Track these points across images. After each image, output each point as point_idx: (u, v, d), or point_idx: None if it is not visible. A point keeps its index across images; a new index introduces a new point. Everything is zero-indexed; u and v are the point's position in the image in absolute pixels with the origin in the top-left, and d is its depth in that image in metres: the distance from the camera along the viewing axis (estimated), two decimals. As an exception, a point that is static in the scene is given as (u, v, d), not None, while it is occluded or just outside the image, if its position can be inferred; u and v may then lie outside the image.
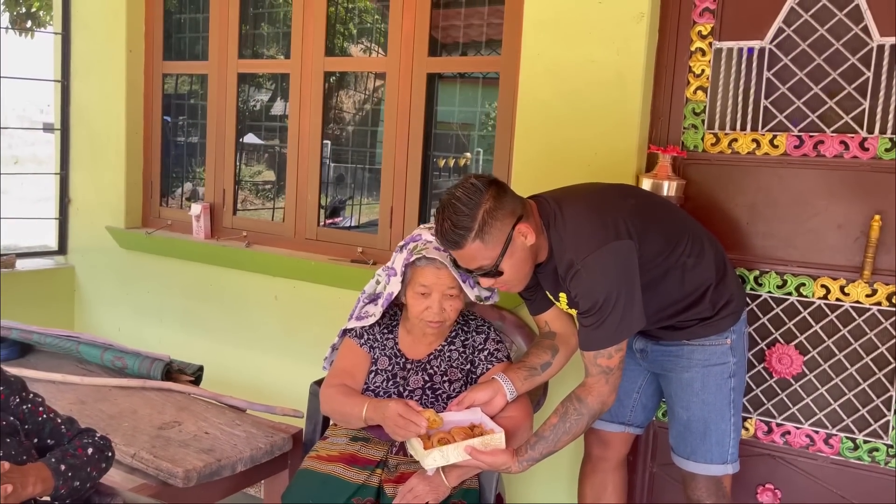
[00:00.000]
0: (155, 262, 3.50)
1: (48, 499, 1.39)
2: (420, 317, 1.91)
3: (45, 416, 1.51)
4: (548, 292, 1.88)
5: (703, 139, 2.25)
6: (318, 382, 2.21)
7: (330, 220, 3.44)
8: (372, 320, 2.02)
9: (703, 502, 1.92)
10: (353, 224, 3.61)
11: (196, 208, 3.35)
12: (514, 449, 1.76)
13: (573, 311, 1.83)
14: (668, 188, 2.17)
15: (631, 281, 1.67)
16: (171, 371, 2.47)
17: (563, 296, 1.82)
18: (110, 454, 1.55)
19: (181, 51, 3.61)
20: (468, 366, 1.99)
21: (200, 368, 2.58)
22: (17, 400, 1.46)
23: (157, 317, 3.52)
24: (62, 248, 3.86)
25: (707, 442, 1.88)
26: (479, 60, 2.79)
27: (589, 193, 1.84)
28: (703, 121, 2.25)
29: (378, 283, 2.07)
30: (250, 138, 3.65)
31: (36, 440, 1.47)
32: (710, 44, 2.22)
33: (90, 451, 1.48)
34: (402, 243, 1.98)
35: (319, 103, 3.07)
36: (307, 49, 3.06)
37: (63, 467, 1.40)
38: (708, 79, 2.23)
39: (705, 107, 2.25)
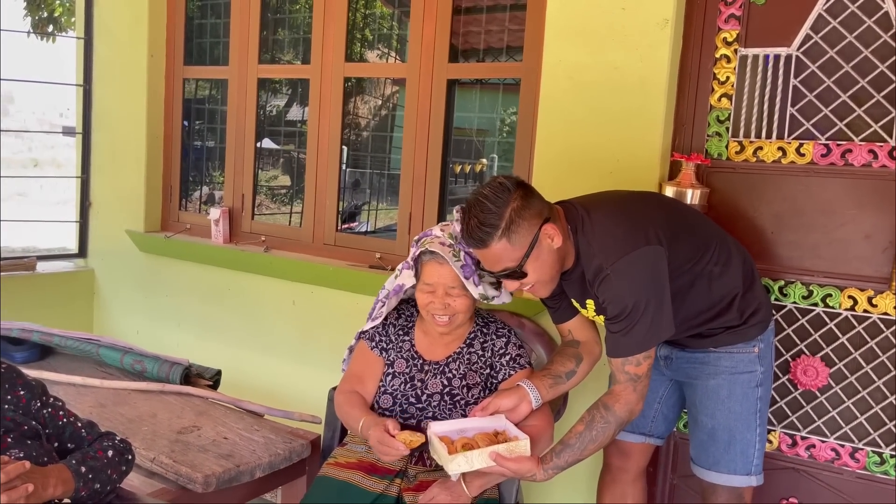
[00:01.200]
0: (173, 265, 3.51)
1: (68, 501, 1.39)
2: (426, 310, 1.91)
3: (65, 419, 1.50)
4: (573, 300, 1.86)
5: (727, 147, 2.23)
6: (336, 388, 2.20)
7: (346, 226, 3.44)
8: (385, 312, 2.01)
9: None
10: (369, 229, 3.61)
11: (215, 213, 3.36)
12: (540, 457, 1.74)
13: (600, 319, 1.81)
14: (692, 196, 2.14)
15: (661, 287, 1.65)
16: (190, 375, 2.47)
17: (590, 303, 1.80)
18: (130, 457, 1.54)
19: (202, 56, 3.63)
20: (488, 370, 1.97)
21: (218, 373, 2.58)
22: (38, 404, 1.46)
23: (175, 320, 3.53)
24: (82, 251, 3.88)
25: (731, 452, 1.85)
26: (501, 66, 2.77)
27: (617, 200, 1.83)
28: (727, 128, 2.23)
29: (396, 277, 2.07)
30: (266, 143, 3.66)
31: (56, 444, 1.47)
32: (736, 51, 2.19)
33: (110, 453, 1.48)
34: (417, 237, 1.98)
35: (339, 109, 3.07)
36: (327, 55, 3.07)
37: (83, 469, 1.39)
38: (733, 86, 2.20)
39: (730, 114, 2.22)
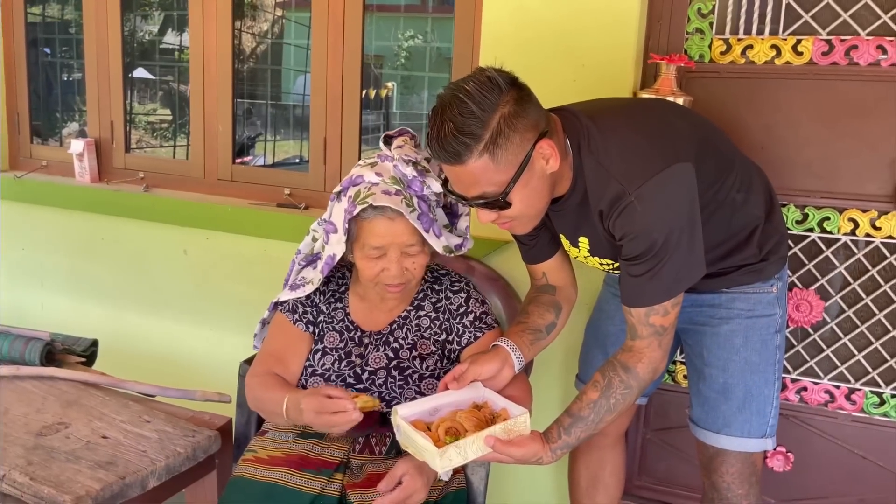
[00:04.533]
0: (29, 211, 2.88)
1: None
2: (375, 281, 1.48)
3: None
4: (563, 235, 1.50)
5: (710, 47, 1.88)
6: (250, 361, 1.75)
7: (238, 160, 2.94)
8: (310, 289, 1.56)
9: (731, 491, 1.58)
10: (266, 163, 3.19)
11: (77, 145, 2.74)
12: (542, 434, 1.38)
13: (593, 261, 1.47)
14: (675, 106, 1.78)
15: (694, 214, 1.31)
16: (54, 352, 1.94)
17: (584, 241, 1.45)
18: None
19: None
20: (444, 335, 1.57)
21: (94, 344, 2.06)
22: None
23: (35, 278, 2.93)
24: None
25: (746, 411, 1.55)
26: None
27: (628, 107, 1.48)
28: (710, 24, 1.87)
29: (315, 239, 1.61)
30: (140, 73, 3.16)
31: None
32: (722, -73, 1.82)
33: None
34: (338, 188, 1.51)
35: (228, 19, 2.52)
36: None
37: None
38: (718, -29, 1.84)
39: (714, 6, 1.86)
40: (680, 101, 1.78)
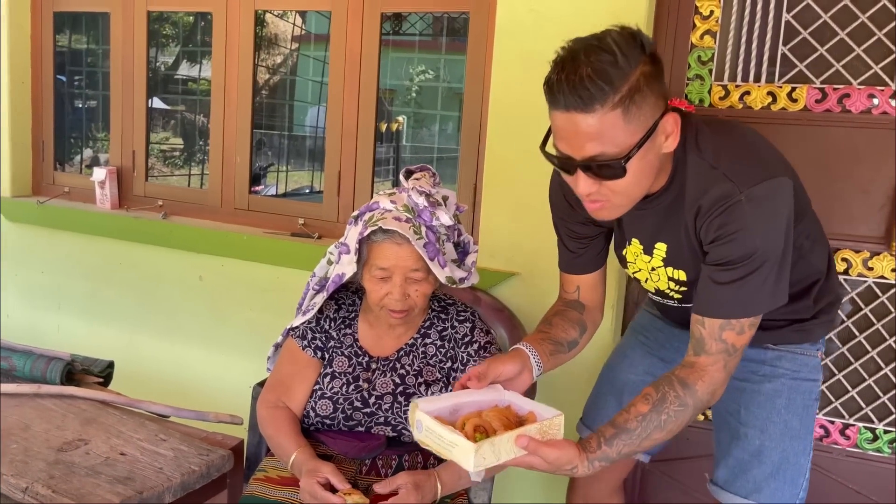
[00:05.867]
0: (50, 236, 2.97)
1: None
2: (380, 304, 1.55)
3: None
4: (636, 240, 1.41)
5: (709, 92, 1.96)
6: (262, 384, 1.82)
7: (251, 189, 3.04)
8: (315, 309, 1.64)
9: None
10: (278, 192, 3.27)
11: (100, 173, 2.84)
12: (580, 444, 1.25)
13: (663, 274, 1.39)
14: (675, 148, 1.86)
15: (788, 234, 1.24)
16: (74, 372, 2.01)
17: (661, 247, 1.37)
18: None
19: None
20: (448, 363, 1.64)
21: (110, 365, 2.12)
22: None
23: (53, 302, 3.01)
24: (-67, 221, 3.24)
25: (779, 478, 1.45)
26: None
27: (726, 120, 1.44)
28: (710, 70, 1.96)
29: (330, 262, 1.69)
30: (156, 103, 3.24)
31: None
32: (721, -19, 1.92)
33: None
34: (356, 213, 1.60)
35: (250, 49, 2.62)
36: (234, -16, 2.60)
37: None
38: (717, 22, 1.93)
39: (713, 54, 1.95)
40: (680, 143, 1.87)
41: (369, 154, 2.47)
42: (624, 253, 1.46)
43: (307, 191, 3.28)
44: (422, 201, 1.54)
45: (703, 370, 1.27)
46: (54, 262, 3.00)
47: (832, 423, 1.94)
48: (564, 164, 1.22)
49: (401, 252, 1.51)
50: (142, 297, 2.82)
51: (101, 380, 2.08)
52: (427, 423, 1.21)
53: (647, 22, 1.93)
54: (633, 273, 1.47)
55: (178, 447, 1.68)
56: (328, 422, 1.60)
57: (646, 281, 1.45)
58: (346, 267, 1.59)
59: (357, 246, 1.56)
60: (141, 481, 1.52)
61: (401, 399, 1.60)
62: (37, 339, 2.86)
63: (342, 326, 1.69)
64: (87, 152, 3.33)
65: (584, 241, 1.47)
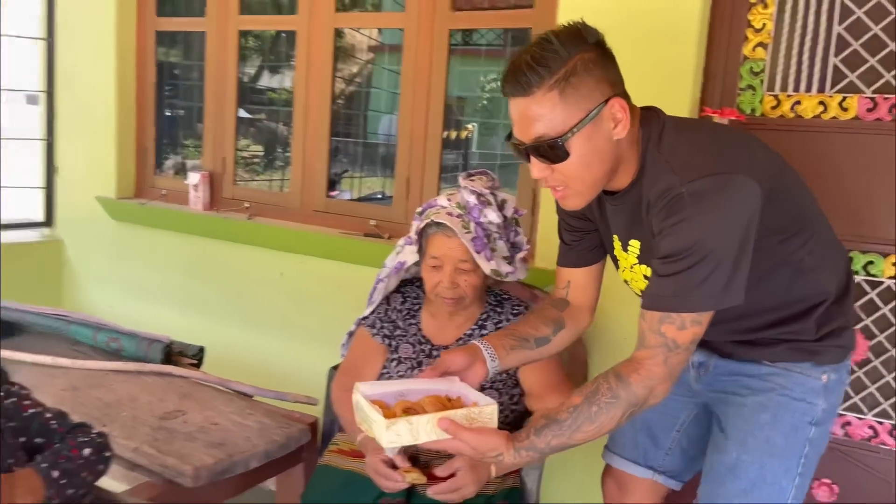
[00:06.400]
0: (150, 235, 3.26)
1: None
2: (434, 292, 1.73)
3: (31, 410, 1.29)
4: (616, 235, 1.41)
5: (761, 102, 2.04)
6: (337, 367, 2.01)
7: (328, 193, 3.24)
8: (380, 297, 1.83)
9: None
10: (353, 197, 3.46)
11: (194, 177, 3.11)
12: (510, 433, 1.26)
13: (639, 272, 1.37)
14: (725, 155, 1.96)
15: (746, 238, 1.20)
16: (171, 353, 2.26)
17: (634, 244, 1.37)
18: (109, 454, 1.34)
19: (176, 5, 3.34)
20: (504, 352, 1.79)
21: (201, 350, 2.37)
22: (0, 394, 1.25)
23: (152, 294, 3.29)
24: (49, 220, 3.61)
25: (753, 496, 1.38)
26: (508, 15, 2.54)
27: (716, 125, 1.44)
28: (761, 81, 2.04)
29: (398, 253, 1.87)
30: (240, 112, 3.48)
31: (23, 439, 1.26)
32: (773, -5, 2.00)
33: (87, 452, 1.27)
34: (420, 209, 1.80)
35: (329, 63, 2.83)
36: (316, 3, 2.81)
37: (56, 474, 1.19)
38: (770, 34, 2.01)
39: (765, 66, 2.03)
40: (731, 150, 1.96)
41: (436, 160, 2.64)
42: (615, 253, 1.45)
43: (379, 196, 3.46)
44: (473, 199, 1.71)
45: (639, 363, 1.25)
46: (152, 257, 3.28)
47: (880, 423, 1.98)
48: (518, 150, 1.27)
49: (450, 244, 1.68)
50: (229, 291, 3.08)
51: (194, 362, 2.33)
52: (359, 402, 1.28)
53: (700, 36, 2.02)
54: (623, 275, 1.46)
55: (262, 420, 1.89)
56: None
57: (632, 281, 1.43)
58: (409, 256, 1.78)
59: (417, 237, 1.74)
60: (231, 447, 1.73)
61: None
62: (135, 326, 3.15)
63: (407, 317, 1.86)
64: (178, 158, 3.64)
65: (577, 233, 1.48)
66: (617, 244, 1.42)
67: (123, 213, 3.31)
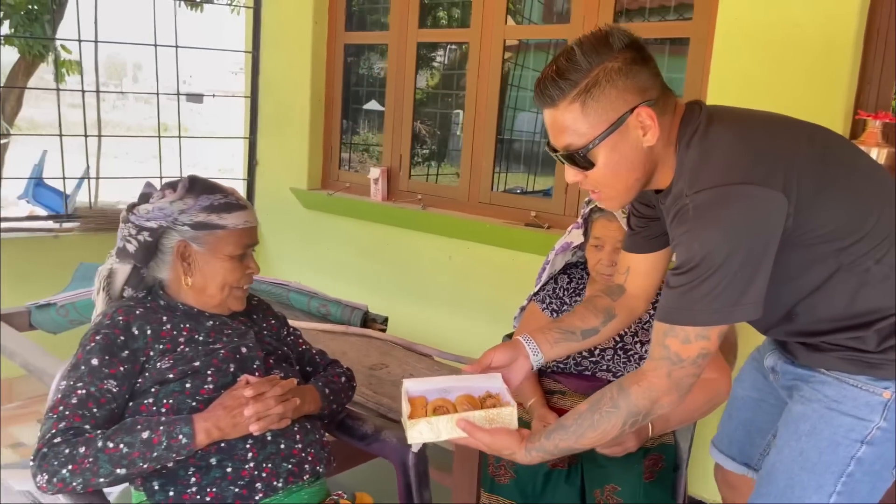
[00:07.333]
0: (334, 221, 3.74)
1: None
2: (595, 269, 1.98)
3: (304, 346, 1.72)
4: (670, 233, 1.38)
5: (917, 105, 2.16)
6: (510, 335, 2.34)
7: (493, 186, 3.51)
8: (546, 276, 2.11)
9: None
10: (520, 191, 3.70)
11: (375, 172, 3.56)
12: (526, 433, 1.35)
13: None
14: (877, 156, 2.10)
15: (760, 249, 1.16)
16: (367, 319, 2.68)
17: None
18: (355, 384, 1.74)
19: (362, 22, 3.81)
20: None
21: (386, 319, 2.78)
22: (286, 332, 1.68)
23: (335, 272, 3.78)
24: (249, 207, 4.20)
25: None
26: (669, 25, 2.77)
27: (761, 118, 1.31)
28: (918, 86, 2.16)
29: (567, 235, 2.17)
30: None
31: (297, 367, 1.69)
32: (932, 5, 2.11)
33: (343, 379, 1.68)
34: (588, 198, 2.06)
35: (498, 72, 3.16)
36: (487, 18, 3.16)
37: (327, 391, 1.60)
38: (927, 42, 2.13)
39: (922, 71, 2.15)
40: (885, 152, 2.10)
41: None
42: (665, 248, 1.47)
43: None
44: None
45: (643, 375, 1.26)
46: (336, 241, 3.76)
47: None
48: (552, 153, 1.29)
49: (610, 226, 1.93)
50: (403, 271, 3.49)
51: (383, 328, 2.74)
52: (403, 398, 1.41)
53: (856, 45, 2.17)
54: None
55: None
56: (561, 366, 2.08)
57: None
58: (575, 237, 2.06)
59: (583, 222, 2.03)
60: (428, 394, 2.10)
61: (620, 353, 2.03)
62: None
63: (573, 294, 2.15)
64: (361, 155, 4.12)
65: (642, 220, 1.48)
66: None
67: (313, 202, 3.83)
